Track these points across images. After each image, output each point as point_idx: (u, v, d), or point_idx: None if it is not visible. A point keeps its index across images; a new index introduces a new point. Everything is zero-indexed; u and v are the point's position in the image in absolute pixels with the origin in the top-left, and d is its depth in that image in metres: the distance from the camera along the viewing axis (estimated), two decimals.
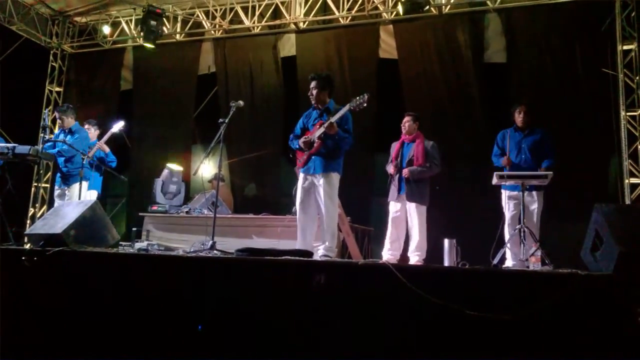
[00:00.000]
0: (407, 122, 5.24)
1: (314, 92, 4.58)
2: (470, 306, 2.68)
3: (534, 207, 4.87)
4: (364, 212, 6.77)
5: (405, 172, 5.04)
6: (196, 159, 8.73)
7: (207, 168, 7.97)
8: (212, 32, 8.56)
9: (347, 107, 4.40)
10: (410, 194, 5.01)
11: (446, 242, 4.08)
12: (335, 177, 4.48)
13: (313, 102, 4.63)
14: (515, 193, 4.89)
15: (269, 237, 5.60)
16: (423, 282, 2.78)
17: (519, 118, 5.16)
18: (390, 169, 5.18)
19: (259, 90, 8.20)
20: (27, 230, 4.20)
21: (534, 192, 4.86)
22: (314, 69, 7.80)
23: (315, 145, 4.45)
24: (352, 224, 5.61)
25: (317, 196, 4.46)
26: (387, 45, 7.64)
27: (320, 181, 4.42)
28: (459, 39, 7.12)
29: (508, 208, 4.98)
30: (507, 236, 4.78)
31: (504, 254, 4.50)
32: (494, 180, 4.71)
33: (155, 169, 7.34)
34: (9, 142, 5.70)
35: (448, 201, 5.94)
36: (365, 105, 4.38)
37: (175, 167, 6.99)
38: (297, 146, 4.63)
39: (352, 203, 5.96)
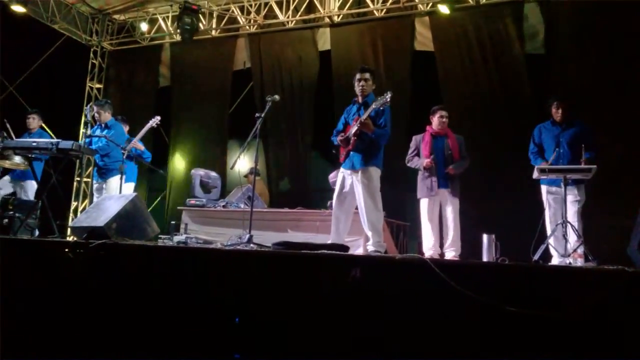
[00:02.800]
0: (445, 117, 5.15)
1: (365, 83, 4.52)
2: (511, 303, 2.63)
3: (576, 201, 4.71)
4: (399, 207, 6.71)
5: (451, 170, 4.95)
6: (232, 154, 8.83)
7: (243, 162, 8.05)
8: (247, 27, 8.62)
9: (371, 109, 4.33)
10: (452, 189, 4.97)
11: (485, 237, 4.00)
12: (375, 172, 4.43)
13: (359, 93, 4.57)
14: (554, 188, 4.75)
15: (304, 231, 5.61)
16: (462, 278, 2.73)
17: (557, 114, 4.98)
18: (425, 163, 5.06)
19: (294, 85, 8.21)
20: (71, 223, 4.33)
21: (574, 187, 4.70)
22: (348, 63, 7.79)
23: (351, 141, 4.43)
24: (387, 219, 5.57)
25: (355, 191, 4.44)
26: (423, 37, 7.53)
27: (359, 176, 4.39)
28: (497, 30, 6.95)
29: (548, 203, 4.84)
30: (548, 232, 4.65)
31: (545, 250, 4.38)
32: (535, 175, 4.58)
33: (192, 164, 7.46)
34: (53, 138, 5.90)
35: (486, 196, 5.84)
36: (388, 103, 4.30)
37: (205, 170, 7.02)
38: (335, 142, 4.64)
39: (387, 198, 5.91)
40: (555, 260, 4.51)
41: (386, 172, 4.72)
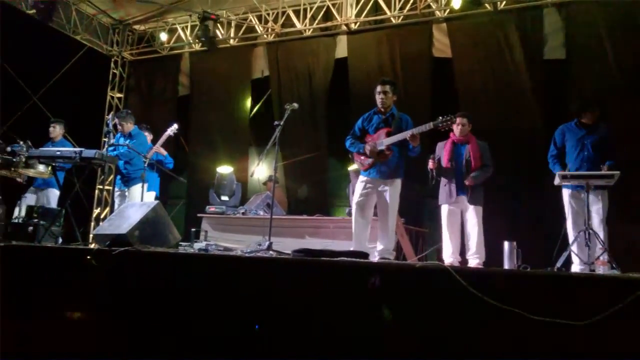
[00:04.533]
0: (464, 125, 5.08)
1: (385, 96, 4.59)
2: (534, 311, 2.60)
3: (599, 207, 4.61)
4: (417, 213, 6.70)
5: (468, 181, 4.90)
6: (251, 162, 8.90)
7: (261, 170, 8.10)
8: (265, 36, 8.70)
9: (430, 126, 4.40)
10: (472, 196, 4.90)
11: (506, 244, 3.96)
12: (400, 183, 4.58)
13: (379, 104, 4.63)
14: (577, 192, 4.67)
15: (323, 237, 5.63)
16: (484, 285, 2.71)
17: (591, 117, 4.86)
18: (429, 164, 5.06)
19: (311, 93, 8.25)
20: (94, 231, 4.40)
21: (598, 192, 4.61)
22: (365, 70, 7.82)
23: (384, 153, 4.49)
24: (406, 225, 5.56)
25: (379, 200, 4.53)
26: (441, 44, 7.53)
27: (386, 187, 4.51)
28: (516, 35, 6.92)
29: (570, 209, 4.76)
30: (570, 238, 4.58)
31: (568, 257, 4.32)
32: (556, 181, 4.53)
33: (212, 172, 7.52)
34: (75, 147, 6.00)
35: (506, 203, 5.78)
36: (451, 126, 4.38)
37: (224, 170, 7.10)
38: (359, 150, 4.65)
39: (405, 204, 5.90)
40: (576, 268, 4.44)
41: (405, 179, 4.74)
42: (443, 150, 5.11)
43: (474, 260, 4.82)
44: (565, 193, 4.83)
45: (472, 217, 4.87)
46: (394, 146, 4.49)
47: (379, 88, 4.63)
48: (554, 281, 2.89)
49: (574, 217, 4.71)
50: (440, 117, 4.41)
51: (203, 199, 7.56)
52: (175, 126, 6.23)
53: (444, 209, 5.03)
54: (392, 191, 4.49)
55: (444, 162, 5.05)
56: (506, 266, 3.94)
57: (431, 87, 7.35)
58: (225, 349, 3.21)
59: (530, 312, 2.58)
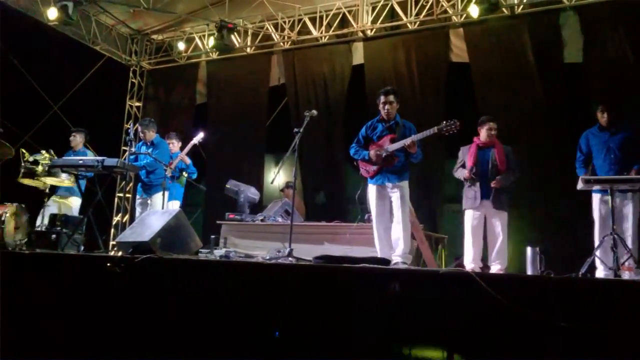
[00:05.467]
0: (493, 130, 5.05)
1: (390, 106, 4.65)
2: (559, 317, 2.57)
3: (628, 211, 4.53)
4: (435, 219, 6.66)
5: (495, 183, 4.86)
6: (267, 168, 8.95)
7: (278, 177, 8.11)
8: (282, 43, 8.74)
9: (434, 130, 4.49)
10: (497, 201, 4.85)
11: (529, 250, 3.93)
12: (407, 185, 4.64)
13: (384, 114, 4.71)
14: (608, 197, 4.53)
15: (341, 243, 5.61)
16: (508, 291, 2.69)
17: (602, 119, 4.86)
18: (465, 174, 5.03)
19: (328, 100, 8.26)
20: (117, 239, 4.45)
21: (629, 195, 4.53)
22: (382, 76, 7.81)
23: (390, 159, 4.56)
24: (426, 231, 5.53)
25: (391, 205, 4.59)
26: (458, 49, 7.51)
27: (394, 192, 4.57)
28: (533, 39, 6.87)
29: (599, 214, 4.68)
30: (596, 243, 4.51)
31: (593, 262, 4.25)
32: (579, 186, 4.46)
33: (229, 179, 7.55)
34: (95, 155, 6.08)
35: (530, 207, 5.73)
36: (455, 132, 4.41)
37: (232, 185, 7.09)
38: (364, 157, 4.71)
39: (424, 210, 5.89)
40: (600, 273, 4.37)
41: (424, 184, 4.74)
42: (467, 155, 5.07)
43: (496, 266, 4.77)
44: (595, 198, 4.76)
45: (497, 223, 4.82)
46: (398, 152, 4.56)
47: (382, 98, 4.70)
48: (579, 287, 2.86)
49: (601, 222, 4.64)
50: (445, 122, 4.49)
51: (221, 206, 7.60)
52: (201, 135, 6.28)
53: (468, 214, 4.99)
54: (401, 194, 4.55)
55: (468, 166, 5.02)
56: (529, 272, 3.90)
57: (447, 92, 7.32)
58: (246, 356, 3.22)
59: (557, 319, 2.56)
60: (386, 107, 4.66)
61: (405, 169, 4.66)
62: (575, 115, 6.40)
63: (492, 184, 4.85)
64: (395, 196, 4.56)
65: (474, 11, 6.75)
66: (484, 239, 4.96)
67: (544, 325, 2.59)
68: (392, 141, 4.59)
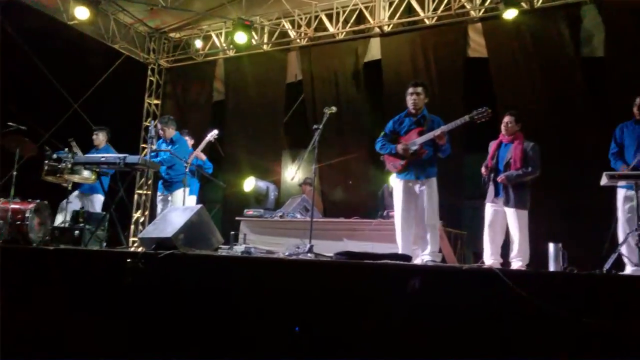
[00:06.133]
0: (509, 123, 4.96)
1: (418, 97, 4.60)
2: (586, 314, 2.55)
3: None
4: (455, 215, 6.62)
5: (501, 178, 4.80)
6: (284, 165, 8.97)
7: (291, 179, 8.14)
8: (298, 40, 8.75)
9: (465, 119, 4.43)
10: (508, 199, 4.78)
11: (551, 246, 3.87)
12: (435, 182, 4.56)
13: (411, 107, 4.65)
14: (632, 192, 4.38)
15: (360, 239, 5.63)
16: (533, 288, 2.67)
17: (637, 112, 4.70)
18: (482, 170, 5.01)
19: (345, 96, 8.27)
20: (140, 235, 4.50)
21: None
22: (399, 72, 7.79)
23: (418, 153, 4.49)
24: (445, 227, 5.51)
25: (418, 201, 4.52)
26: (476, 44, 7.46)
27: (423, 187, 4.51)
28: (553, 33, 6.81)
29: (623, 208, 4.58)
30: (620, 239, 4.44)
31: (618, 258, 4.18)
32: (603, 181, 4.38)
33: (247, 175, 7.60)
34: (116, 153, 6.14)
35: (551, 203, 5.67)
36: (487, 119, 4.35)
37: (261, 183, 7.12)
38: (391, 152, 4.65)
39: (444, 206, 5.84)
40: (629, 270, 4.31)
41: (443, 180, 4.70)
42: (490, 149, 5.05)
43: (517, 263, 4.72)
44: (620, 193, 4.65)
45: (513, 220, 4.75)
46: (427, 146, 4.50)
47: (410, 89, 4.66)
48: (606, 283, 2.83)
49: (626, 216, 4.54)
50: (475, 110, 4.43)
51: (239, 203, 7.66)
52: (215, 132, 6.32)
53: (488, 208, 4.94)
54: (429, 191, 4.49)
55: (487, 161, 4.99)
56: (551, 268, 3.85)
57: (465, 87, 7.27)
58: (266, 350, 3.24)
59: (583, 316, 2.54)
60: (413, 97, 4.60)
61: (433, 164, 4.59)
62: (596, 110, 6.32)
63: (498, 179, 4.81)
64: (423, 192, 4.49)
65: (510, 14, 6.72)
66: (506, 235, 4.91)
67: (569, 322, 2.57)
68: (420, 134, 4.52)
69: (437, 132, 4.40)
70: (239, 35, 7.91)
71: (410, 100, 4.64)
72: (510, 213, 4.80)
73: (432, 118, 4.64)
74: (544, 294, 2.66)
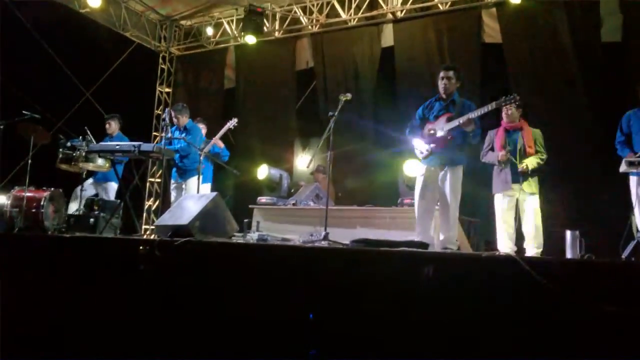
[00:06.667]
0: (509, 109, 4.93)
1: (449, 82, 4.49)
2: (607, 302, 2.52)
3: None
4: (468, 203, 6.56)
5: (522, 168, 4.75)
6: (296, 153, 8.94)
7: (305, 161, 8.13)
8: (310, 27, 8.69)
9: (492, 106, 4.28)
10: (527, 184, 4.76)
11: (568, 233, 3.83)
12: (461, 170, 4.46)
13: (442, 92, 4.54)
14: None
15: (374, 227, 5.60)
16: (553, 275, 2.64)
17: None
18: (500, 156, 4.94)
19: (357, 83, 8.20)
20: (156, 222, 4.51)
21: None
22: (412, 59, 7.71)
23: (445, 138, 4.38)
24: (460, 215, 5.47)
25: (440, 188, 4.44)
26: (491, 29, 7.36)
27: (447, 174, 4.41)
28: (570, 18, 6.67)
29: (637, 197, 4.55)
30: (639, 225, 4.39)
31: (636, 246, 4.14)
32: (622, 168, 4.33)
33: (259, 163, 7.59)
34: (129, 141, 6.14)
35: (565, 190, 5.61)
36: (516, 105, 4.26)
37: (275, 171, 7.11)
38: (418, 137, 4.58)
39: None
40: None
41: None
42: (495, 138, 4.99)
43: (532, 250, 4.70)
44: (633, 180, 4.62)
45: (529, 205, 4.74)
46: (455, 132, 4.36)
47: (442, 74, 4.54)
48: (625, 271, 2.80)
49: None
50: (504, 97, 4.31)
51: (250, 191, 7.66)
52: (235, 120, 6.31)
53: (498, 198, 4.92)
54: (453, 179, 4.38)
55: (497, 149, 4.93)
56: (568, 256, 3.82)
57: (481, 73, 7.19)
58: (281, 337, 3.24)
59: (602, 302, 2.51)
60: (444, 81, 4.48)
61: (461, 151, 4.47)
62: (612, 95, 6.22)
63: (519, 170, 4.76)
64: (447, 180, 4.38)
65: None
66: (517, 222, 4.88)
67: (591, 309, 2.54)
68: (449, 120, 4.39)
69: (462, 119, 4.27)
70: (249, 37, 8.20)
71: (440, 85, 4.52)
72: (527, 198, 4.77)
73: (463, 102, 4.49)
74: (565, 281, 2.64)
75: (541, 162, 4.86)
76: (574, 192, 5.90)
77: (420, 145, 4.56)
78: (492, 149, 5.10)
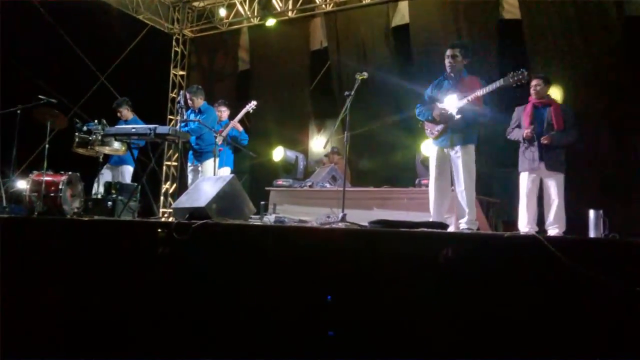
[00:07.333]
0: (537, 86, 4.82)
1: (454, 60, 4.43)
2: (635, 282, 2.46)
3: None
4: (487, 183, 6.48)
5: (545, 139, 4.65)
6: (312, 134, 8.88)
7: (320, 142, 8.07)
8: (324, 6, 8.56)
9: (500, 82, 4.21)
10: (550, 162, 4.65)
11: (591, 213, 3.75)
12: (473, 149, 4.41)
13: (449, 70, 4.49)
14: None
15: (391, 209, 5.55)
16: (578, 255, 2.59)
17: None
18: (525, 133, 4.82)
19: (372, 62, 8.08)
20: (173, 205, 4.52)
21: None
22: (428, 36, 7.57)
23: (456, 118, 4.33)
24: (478, 196, 5.40)
25: (453, 169, 4.40)
26: (509, 5, 7.18)
27: (458, 154, 4.37)
28: None
29: None
30: None
31: None
32: None
33: (274, 145, 7.56)
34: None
35: (589, 169, 5.49)
36: (524, 82, 4.18)
37: (290, 153, 7.07)
38: (427, 117, 4.53)
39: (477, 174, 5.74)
40: None
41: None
42: (523, 114, 4.88)
43: (554, 230, 4.61)
44: None
45: (552, 185, 4.64)
46: (465, 110, 4.32)
47: (448, 52, 4.48)
48: None
49: None
50: (512, 73, 4.22)
51: (266, 173, 7.64)
52: (254, 103, 6.28)
53: (523, 176, 4.82)
54: (465, 158, 4.34)
55: (525, 126, 4.83)
56: (592, 236, 3.74)
57: (498, 50, 7.03)
58: (299, 319, 3.23)
59: (629, 282, 2.45)
60: (449, 60, 4.43)
61: (472, 130, 4.41)
62: (636, 70, 6.04)
63: (542, 140, 4.66)
64: (459, 159, 4.34)
65: None
66: (539, 202, 4.80)
67: (618, 289, 2.49)
68: (458, 99, 4.35)
69: (471, 96, 4.23)
70: (270, 21, 8.30)
71: (446, 63, 4.47)
72: (549, 177, 4.68)
73: (472, 80, 4.43)
74: (590, 261, 2.58)
75: (570, 139, 4.74)
76: (598, 172, 5.78)
77: (430, 125, 4.51)
78: (518, 126, 5.00)
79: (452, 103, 4.37)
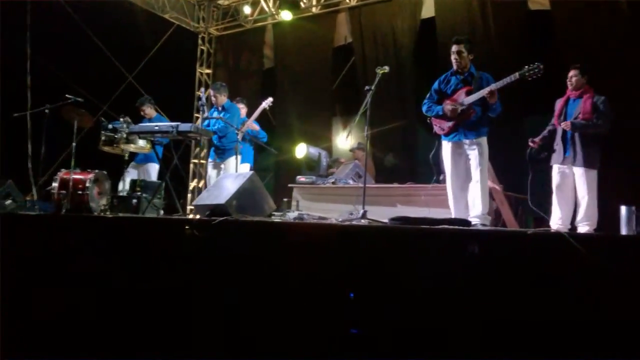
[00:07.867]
0: (573, 77, 4.69)
1: (459, 56, 4.39)
2: None
3: None
4: (516, 178, 6.33)
5: (566, 124, 4.53)
6: (335, 131, 8.84)
7: (345, 140, 8.02)
8: (348, 1, 8.49)
9: (515, 76, 4.15)
10: (576, 156, 4.52)
11: (623, 209, 3.62)
12: (485, 142, 4.38)
13: (456, 66, 4.45)
14: None
15: (415, 205, 5.46)
16: (606, 254, 2.49)
17: None
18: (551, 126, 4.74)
19: (397, 57, 7.97)
20: (195, 202, 4.54)
21: None
22: (454, 29, 7.40)
23: (467, 113, 4.30)
24: (505, 192, 5.28)
25: (467, 164, 4.37)
26: None
27: (472, 149, 4.34)
28: None
29: None
30: None
31: None
32: None
33: (298, 142, 7.54)
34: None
35: (622, 163, 5.30)
36: (538, 76, 4.08)
37: (314, 150, 7.04)
38: (438, 113, 4.48)
39: (504, 169, 5.60)
40: None
41: (503, 142, 4.48)
42: (557, 106, 4.76)
43: (584, 227, 4.47)
44: None
45: (582, 181, 4.49)
46: (475, 105, 4.30)
47: (453, 48, 4.44)
48: None
49: None
50: (526, 67, 4.15)
51: (290, 170, 7.63)
52: (270, 100, 6.27)
53: (555, 170, 4.70)
54: (479, 152, 4.31)
55: (554, 119, 4.70)
56: (623, 232, 3.61)
57: (528, 42, 6.84)
58: (321, 317, 3.20)
59: None
60: (454, 56, 4.41)
61: (483, 123, 4.39)
62: None
63: (562, 125, 4.55)
64: (473, 154, 4.33)
65: None
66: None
67: None
68: (468, 94, 4.32)
69: (485, 90, 4.18)
70: (285, 14, 8.34)
71: (453, 60, 4.44)
72: (579, 173, 4.54)
73: (480, 75, 4.40)
74: (619, 259, 2.48)
75: (595, 129, 4.55)
76: (630, 167, 5.56)
77: (440, 121, 4.46)
78: (542, 139, 4.87)
79: (463, 98, 4.34)
